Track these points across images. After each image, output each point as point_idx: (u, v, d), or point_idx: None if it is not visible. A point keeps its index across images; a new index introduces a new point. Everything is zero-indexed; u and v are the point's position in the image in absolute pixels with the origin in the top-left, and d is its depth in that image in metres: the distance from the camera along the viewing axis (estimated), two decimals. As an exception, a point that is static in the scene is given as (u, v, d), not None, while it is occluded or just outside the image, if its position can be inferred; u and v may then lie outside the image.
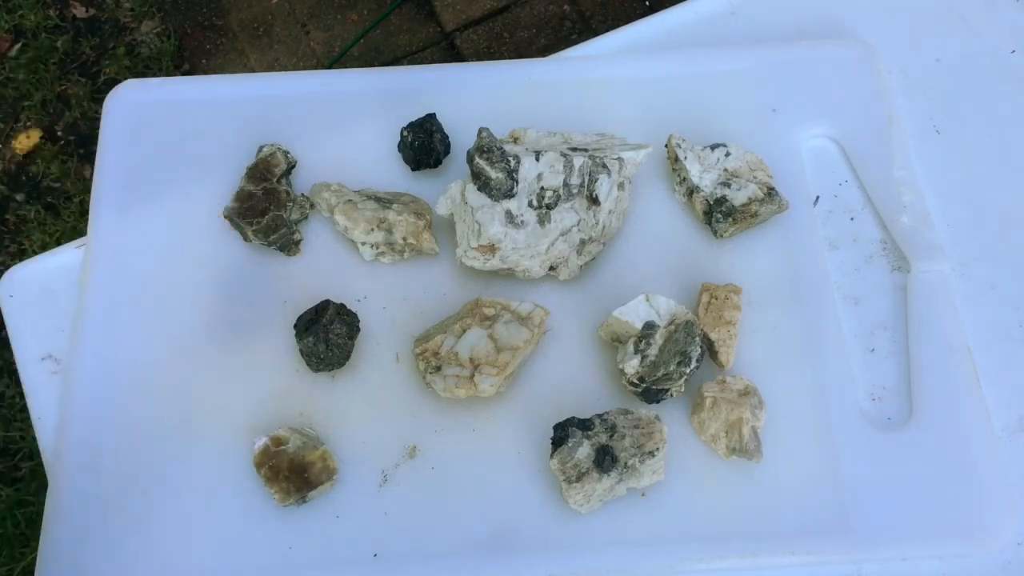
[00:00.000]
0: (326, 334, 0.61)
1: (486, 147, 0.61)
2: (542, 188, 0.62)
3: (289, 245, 0.67)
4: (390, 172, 0.71)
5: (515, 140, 0.66)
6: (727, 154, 0.68)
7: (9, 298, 0.69)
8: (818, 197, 0.70)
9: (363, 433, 0.62)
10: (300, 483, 0.59)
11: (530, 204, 0.62)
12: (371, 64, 1.57)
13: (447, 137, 0.70)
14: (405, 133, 0.69)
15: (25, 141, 1.55)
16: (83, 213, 1.48)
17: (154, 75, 1.59)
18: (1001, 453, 0.61)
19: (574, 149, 0.64)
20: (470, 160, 0.62)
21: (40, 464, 1.20)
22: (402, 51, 1.59)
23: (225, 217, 0.67)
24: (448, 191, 0.65)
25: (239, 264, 0.68)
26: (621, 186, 0.65)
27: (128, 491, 0.60)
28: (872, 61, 0.74)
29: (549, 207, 0.63)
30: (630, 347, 0.60)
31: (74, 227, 1.47)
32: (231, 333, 0.65)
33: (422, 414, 0.63)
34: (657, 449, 0.58)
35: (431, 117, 0.69)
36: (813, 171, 0.71)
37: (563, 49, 0.78)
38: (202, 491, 0.60)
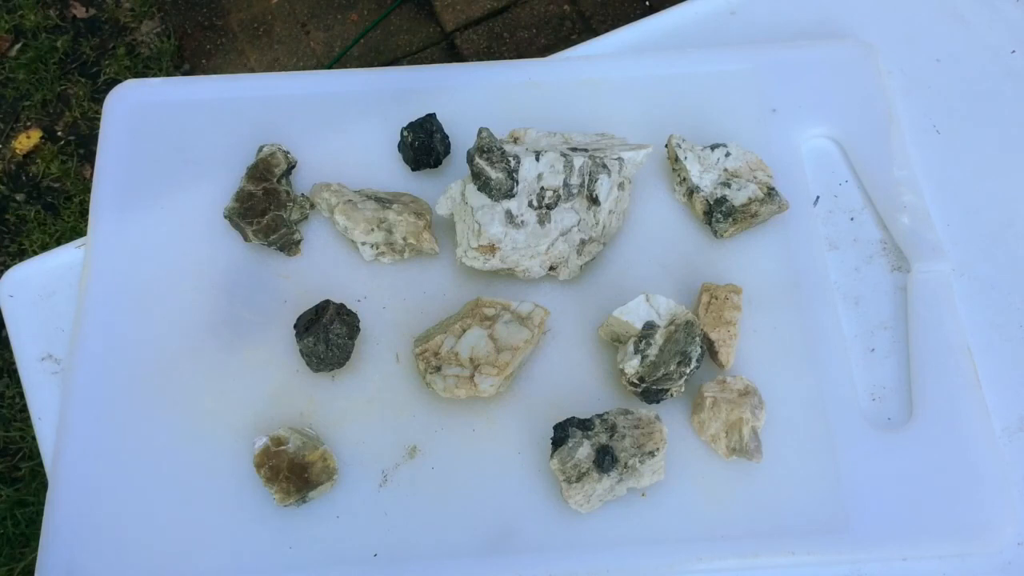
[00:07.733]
0: (326, 334, 0.61)
1: (486, 147, 0.61)
2: (542, 188, 0.62)
3: (289, 245, 0.67)
4: (390, 172, 0.71)
5: (515, 140, 0.66)
6: (727, 154, 0.68)
7: (9, 298, 0.69)
8: (818, 197, 0.70)
9: (363, 433, 0.62)
10: (300, 483, 0.59)
11: (530, 204, 0.62)
12: (371, 64, 1.57)
13: (447, 137, 0.70)
14: (405, 133, 0.69)
15: (25, 141, 1.55)
16: (83, 213, 1.48)
17: (154, 75, 1.59)
18: (1001, 453, 0.61)
19: (574, 149, 0.64)
20: (470, 160, 0.62)
21: (40, 464, 1.20)
22: (402, 51, 1.59)
23: (225, 217, 0.67)
24: (448, 191, 0.65)
25: (239, 264, 0.68)
26: (621, 186, 0.65)
27: (128, 491, 0.60)
28: (872, 61, 0.74)
29: (549, 207, 0.63)
30: (630, 347, 0.60)
31: (74, 227, 1.47)
32: (231, 333, 0.65)
33: (422, 414, 0.63)
34: (657, 449, 0.58)
35: (431, 117, 0.69)
36: (813, 171, 0.71)
37: (563, 49, 0.78)
38: (202, 491, 0.60)
